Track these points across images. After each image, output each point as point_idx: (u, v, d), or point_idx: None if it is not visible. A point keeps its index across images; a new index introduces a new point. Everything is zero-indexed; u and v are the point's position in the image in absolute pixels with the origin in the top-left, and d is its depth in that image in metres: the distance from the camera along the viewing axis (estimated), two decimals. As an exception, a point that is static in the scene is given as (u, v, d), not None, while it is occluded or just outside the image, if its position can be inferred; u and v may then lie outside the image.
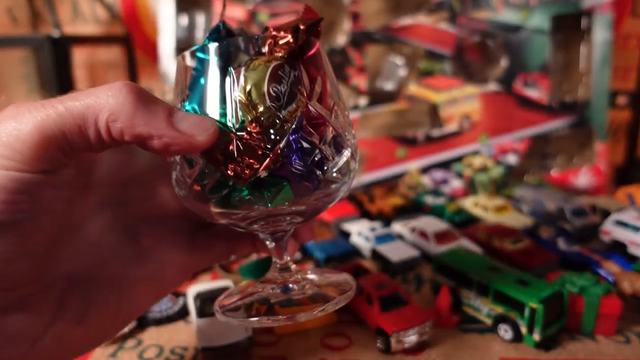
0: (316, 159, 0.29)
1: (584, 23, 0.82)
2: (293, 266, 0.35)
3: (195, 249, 0.35)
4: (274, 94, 0.27)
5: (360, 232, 0.60)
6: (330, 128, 0.29)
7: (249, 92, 0.27)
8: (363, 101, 0.86)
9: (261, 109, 0.27)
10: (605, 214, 0.63)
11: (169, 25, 0.88)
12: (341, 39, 0.87)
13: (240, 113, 0.27)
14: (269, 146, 0.27)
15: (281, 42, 0.29)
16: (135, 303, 0.31)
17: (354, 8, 0.86)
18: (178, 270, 0.34)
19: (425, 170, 0.85)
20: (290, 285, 0.33)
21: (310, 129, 0.28)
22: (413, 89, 0.86)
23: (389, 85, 0.87)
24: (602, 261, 0.50)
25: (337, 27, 0.87)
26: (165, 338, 0.42)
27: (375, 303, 0.40)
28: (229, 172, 0.27)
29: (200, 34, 0.90)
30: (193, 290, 0.45)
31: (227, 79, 0.28)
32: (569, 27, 0.83)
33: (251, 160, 0.27)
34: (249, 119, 0.27)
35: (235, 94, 0.27)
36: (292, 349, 0.40)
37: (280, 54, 0.28)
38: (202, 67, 0.29)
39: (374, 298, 0.40)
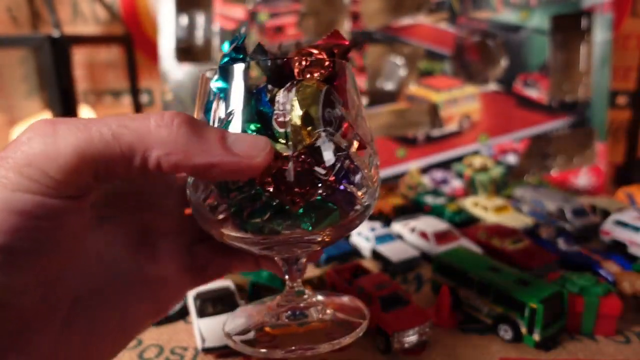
0: (362, 183, 0.29)
1: (584, 23, 0.82)
2: (306, 291, 0.34)
3: (195, 265, 0.34)
4: (327, 119, 0.27)
5: (360, 232, 0.60)
6: (371, 151, 0.30)
7: (303, 116, 0.26)
8: (363, 101, 0.86)
9: (314, 132, 0.26)
10: (605, 214, 0.63)
11: (169, 25, 0.88)
12: (341, 39, 0.87)
13: (295, 136, 0.26)
14: (322, 171, 0.27)
15: (316, 63, 0.28)
16: (137, 322, 0.30)
17: (354, 8, 0.86)
18: (177, 288, 0.33)
19: (425, 170, 0.85)
20: (302, 312, 0.33)
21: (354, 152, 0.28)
22: (413, 89, 0.86)
23: (389, 85, 0.87)
24: (602, 261, 0.50)
25: (337, 27, 0.87)
26: (165, 338, 0.41)
27: (376, 303, 0.40)
28: (282, 196, 0.26)
29: (200, 34, 0.90)
30: (193, 290, 0.45)
31: (279, 101, 0.26)
32: (569, 27, 0.83)
33: (305, 185, 0.26)
34: (303, 143, 0.26)
35: (288, 117, 0.26)
36: (292, 349, 0.40)
37: (319, 77, 0.27)
38: (228, 85, 0.28)
39: (374, 298, 0.40)
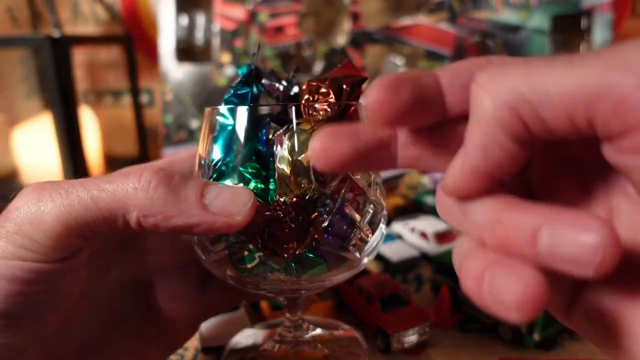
0: (355, 237, 0.27)
1: (584, 23, 0.82)
2: (305, 325, 0.34)
3: (205, 298, 0.34)
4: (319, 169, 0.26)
5: (360, 232, 0.60)
6: (371, 205, 0.28)
7: (294, 165, 0.25)
8: (362, 102, 0.86)
9: (304, 183, 0.25)
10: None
11: (169, 25, 0.88)
12: (341, 39, 0.87)
13: (282, 186, 0.25)
14: (309, 224, 0.25)
15: (322, 101, 0.26)
16: None
17: (354, 8, 0.86)
18: (189, 323, 0.33)
19: (425, 170, 0.85)
20: (300, 347, 0.33)
21: (350, 206, 0.26)
22: (413, 89, 0.86)
23: (389, 85, 0.87)
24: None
25: (337, 27, 0.87)
26: (165, 338, 0.41)
27: (376, 303, 0.40)
28: (267, 249, 0.26)
29: (200, 34, 0.90)
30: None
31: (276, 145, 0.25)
32: (569, 27, 0.83)
33: (291, 239, 0.25)
34: (292, 194, 0.25)
35: (277, 164, 0.25)
36: (292, 349, 0.39)
37: (321, 117, 0.26)
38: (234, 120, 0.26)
39: (374, 298, 0.40)
